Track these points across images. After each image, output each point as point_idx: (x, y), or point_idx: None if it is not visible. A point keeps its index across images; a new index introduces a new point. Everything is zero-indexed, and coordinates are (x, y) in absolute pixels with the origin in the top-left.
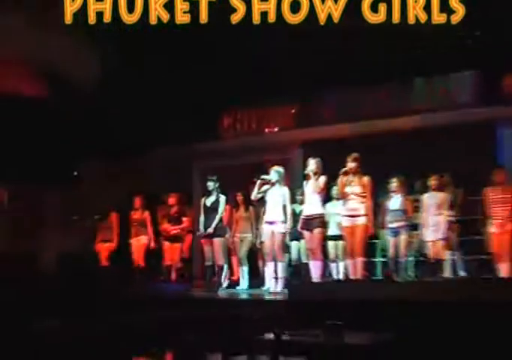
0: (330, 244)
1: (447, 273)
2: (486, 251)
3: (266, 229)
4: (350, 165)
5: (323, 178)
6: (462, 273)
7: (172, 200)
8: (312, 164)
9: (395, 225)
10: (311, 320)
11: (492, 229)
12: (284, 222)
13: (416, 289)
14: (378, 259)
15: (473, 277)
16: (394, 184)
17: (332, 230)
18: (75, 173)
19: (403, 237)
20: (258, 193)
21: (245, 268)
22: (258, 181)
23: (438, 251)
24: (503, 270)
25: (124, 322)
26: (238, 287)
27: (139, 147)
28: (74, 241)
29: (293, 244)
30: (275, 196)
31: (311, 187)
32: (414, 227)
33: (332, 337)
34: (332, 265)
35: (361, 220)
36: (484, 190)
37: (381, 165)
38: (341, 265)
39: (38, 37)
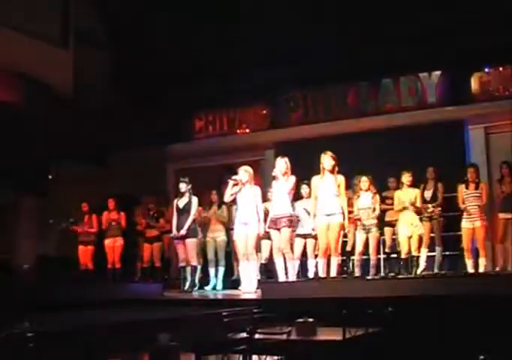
0: (299, 242)
1: (426, 269)
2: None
3: (239, 229)
4: (328, 163)
5: (292, 179)
6: (442, 269)
7: (149, 201)
8: (281, 164)
9: (365, 223)
10: (284, 318)
11: (465, 224)
12: (258, 221)
13: (390, 286)
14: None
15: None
16: (364, 182)
17: (300, 229)
18: (50, 176)
19: (373, 234)
20: (231, 194)
21: (221, 269)
22: (230, 182)
23: (413, 247)
24: (479, 265)
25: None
26: (207, 287)
27: (113, 149)
28: (52, 245)
29: (264, 243)
30: (247, 196)
31: (280, 187)
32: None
33: (304, 334)
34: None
35: (336, 219)
36: (458, 186)
37: (354, 164)
38: (311, 263)
39: None
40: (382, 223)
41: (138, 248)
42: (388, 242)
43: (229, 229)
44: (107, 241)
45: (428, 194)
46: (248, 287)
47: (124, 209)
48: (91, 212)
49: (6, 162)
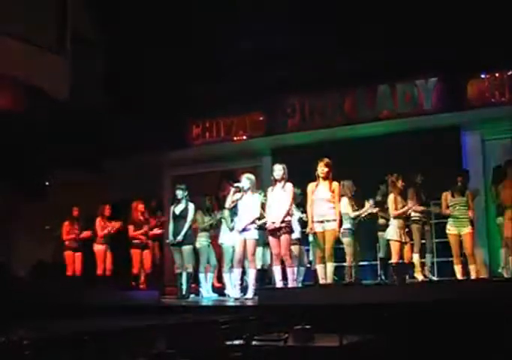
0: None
1: (418, 276)
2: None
3: (238, 236)
4: (322, 170)
5: (289, 185)
6: (432, 275)
7: (140, 208)
8: (278, 170)
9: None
10: (281, 325)
11: (451, 230)
12: (257, 229)
13: (386, 292)
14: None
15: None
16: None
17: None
18: (47, 183)
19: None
20: (232, 200)
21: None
22: (232, 189)
23: (404, 253)
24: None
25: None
26: (204, 293)
27: (110, 155)
28: (48, 250)
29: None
30: (248, 204)
31: (278, 194)
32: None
33: (301, 341)
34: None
35: (331, 225)
36: (444, 193)
37: (350, 170)
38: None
39: None
40: (374, 227)
41: (130, 255)
42: (382, 247)
43: (215, 236)
44: (99, 247)
45: (423, 199)
46: (245, 294)
47: (119, 215)
48: (80, 218)
49: (4, 167)
